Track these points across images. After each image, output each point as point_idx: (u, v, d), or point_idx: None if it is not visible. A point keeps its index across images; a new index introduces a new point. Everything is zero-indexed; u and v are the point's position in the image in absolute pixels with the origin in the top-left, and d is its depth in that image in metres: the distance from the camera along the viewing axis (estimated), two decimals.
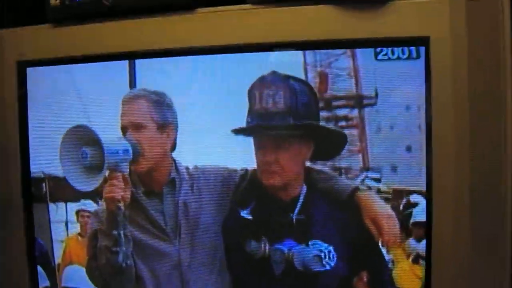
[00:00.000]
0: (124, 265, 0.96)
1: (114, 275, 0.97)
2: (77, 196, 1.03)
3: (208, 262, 0.96)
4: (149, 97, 0.97)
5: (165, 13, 0.94)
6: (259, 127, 0.92)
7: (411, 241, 0.89)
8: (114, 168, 0.95)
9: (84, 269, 1.03)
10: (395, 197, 0.88)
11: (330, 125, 0.90)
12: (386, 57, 0.86)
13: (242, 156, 0.94)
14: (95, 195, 1.01)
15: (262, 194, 0.94)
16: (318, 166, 0.92)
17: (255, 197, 0.95)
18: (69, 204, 1.06)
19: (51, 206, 1.07)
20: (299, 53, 0.90)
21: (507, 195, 0.81)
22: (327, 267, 0.91)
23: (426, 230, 0.85)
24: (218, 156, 0.95)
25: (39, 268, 1.08)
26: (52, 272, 1.08)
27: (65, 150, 0.96)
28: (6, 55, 1.05)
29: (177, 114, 0.97)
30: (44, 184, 1.06)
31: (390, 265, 0.90)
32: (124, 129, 0.98)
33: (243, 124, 0.93)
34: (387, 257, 0.89)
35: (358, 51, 0.88)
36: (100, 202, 1.00)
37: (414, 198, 0.87)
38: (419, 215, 0.87)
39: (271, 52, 0.91)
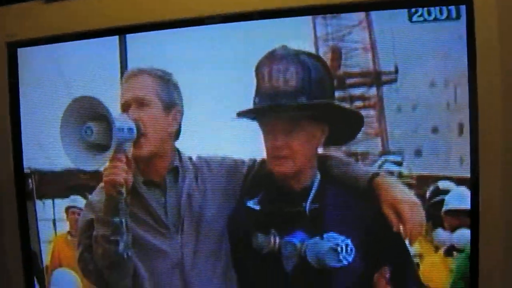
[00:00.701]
0: (125, 255, 0.90)
1: (112, 267, 0.91)
2: (66, 192, 1.00)
3: (212, 258, 0.91)
4: (154, 72, 0.92)
5: None
6: (269, 108, 0.86)
7: (440, 232, 0.85)
8: (118, 148, 0.88)
9: (73, 273, 0.99)
10: (420, 183, 0.83)
11: (346, 105, 0.86)
12: (421, 19, 0.82)
13: (249, 143, 0.89)
14: (86, 190, 0.97)
15: (272, 182, 0.89)
16: (333, 151, 0.88)
17: (263, 186, 0.90)
18: (57, 200, 1.01)
19: (38, 203, 1.02)
20: (309, 25, 0.86)
21: None
22: (344, 262, 0.85)
23: (471, 219, 0.80)
24: (224, 144, 0.90)
25: None
26: (40, 275, 1.03)
27: (66, 126, 0.89)
28: None
29: (182, 96, 0.92)
30: (30, 180, 1.02)
31: (415, 258, 0.85)
32: (126, 107, 0.92)
33: (250, 105, 0.88)
34: (411, 250, 0.85)
35: (387, 13, 0.83)
36: (92, 193, 0.95)
37: (443, 184, 0.83)
38: (452, 202, 0.83)
39: (279, 24, 0.86)
